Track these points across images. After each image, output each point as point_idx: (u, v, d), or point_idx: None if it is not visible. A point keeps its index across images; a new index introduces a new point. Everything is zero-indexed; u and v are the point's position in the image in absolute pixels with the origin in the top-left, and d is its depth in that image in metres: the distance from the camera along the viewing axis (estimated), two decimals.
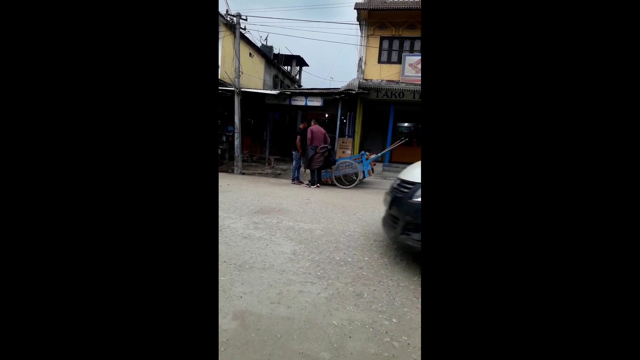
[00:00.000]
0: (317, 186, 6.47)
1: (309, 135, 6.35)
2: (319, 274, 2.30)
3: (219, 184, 5.99)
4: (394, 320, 1.76)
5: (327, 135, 6.55)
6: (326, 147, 6.39)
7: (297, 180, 6.84)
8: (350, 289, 2.10)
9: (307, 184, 6.61)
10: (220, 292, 1.93)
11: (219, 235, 3.01)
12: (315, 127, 6.44)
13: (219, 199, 4.60)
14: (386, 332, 1.64)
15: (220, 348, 1.43)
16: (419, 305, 1.93)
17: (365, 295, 2.02)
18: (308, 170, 6.68)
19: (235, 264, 2.38)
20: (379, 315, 1.79)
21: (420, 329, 1.68)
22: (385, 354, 1.47)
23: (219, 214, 3.73)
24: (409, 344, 1.56)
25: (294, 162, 6.84)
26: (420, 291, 2.12)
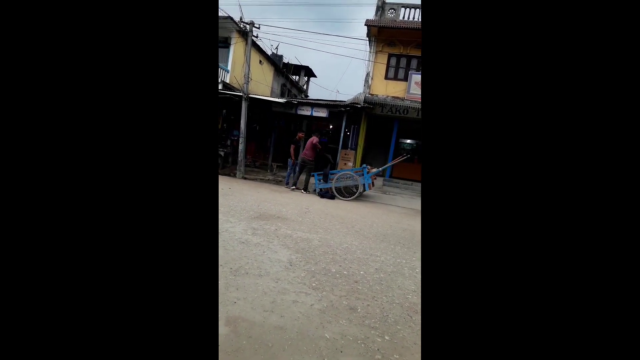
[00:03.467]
0: (298, 190, 6.90)
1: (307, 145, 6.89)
2: (314, 284, 2.30)
3: (221, 187, 6.01)
4: (386, 337, 1.75)
5: (316, 142, 6.87)
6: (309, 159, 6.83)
7: (289, 185, 7.31)
8: (344, 302, 2.09)
9: (293, 187, 7.04)
10: None
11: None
12: (310, 139, 6.94)
13: (220, 202, 4.60)
14: (378, 349, 1.63)
15: None
16: (412, 324, 1.93)
17: (359, 310, 2.01)
18: (302, 177, 7.08)
19: (231, 268, 2.38)
20: (372, 332, 1.78)
21: (412, 349, 1.68)
22: None
23: (219, 217, 3.73)
24: None
25: (288, 169, 7.51)
26: (414, 310, 2.11)
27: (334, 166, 7.61)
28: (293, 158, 7.31)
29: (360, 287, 2.36)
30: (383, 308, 2.09)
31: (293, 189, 7.01)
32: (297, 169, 7.18)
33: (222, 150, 9.07)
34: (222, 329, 1.61)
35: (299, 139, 7.46)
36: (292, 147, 7.37)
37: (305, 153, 6.91)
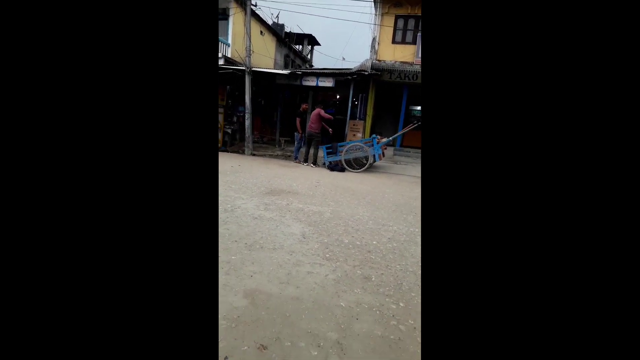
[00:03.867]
0: (311, 165, 6.97)
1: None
2: (327, 256, 2.33)
3: (230, 165, 6.04)
4: (401, 304, 1.79)
5: (321, 113, 6.77)
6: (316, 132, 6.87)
7: (298, 159, 7.36)
8: (358, 271, 2.13)
9: (305, 163, 7.10)
10: (231, 271, 1.98)
11: (231, 215, 3.06)
12: (314, 111, 6.89)
13: (231, 179, 4.65)
14: (393, 316, 1.67)
15: (232, 324, 1.48)
16: None
17: (373, 279, 2.04)
18: (311, 152, 7.09)
19: (246, 243, 2.43)
20: (386, 299, 1.82)
21: None
22: (392, 337, 1.50)
23: (231, 194, 3.79)
24: (415, 327, 1.58)
25: (295, 143, 7.49)
26: None
27: (332, 137, 7.55)
28: (300, 131, 7.24)
29: (373, 257, 2.38)
30: (397, 276, 2.11)
31: (307, 164, 7.01)
32: (304, 142, 7.14)
33: (228, 128, 9.02)
34: (241, 302, 1.67)
35: (304, 111, 7.34)
36: (298, 120, 7.28)
37: (310, 126, 6.81)
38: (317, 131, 6.81)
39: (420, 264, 2.32)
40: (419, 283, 2.04)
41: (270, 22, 12.41)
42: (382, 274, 2.13)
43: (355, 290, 1.88)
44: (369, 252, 2.47)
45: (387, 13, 9.12)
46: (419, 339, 1.50)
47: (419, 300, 1.83)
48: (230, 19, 9.85)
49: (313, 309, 1.66)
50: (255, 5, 8.20)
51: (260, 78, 8.90)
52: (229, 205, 3.35)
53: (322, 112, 6.75)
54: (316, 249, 2.43)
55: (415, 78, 8.94)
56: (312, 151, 7.02)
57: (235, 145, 9.07)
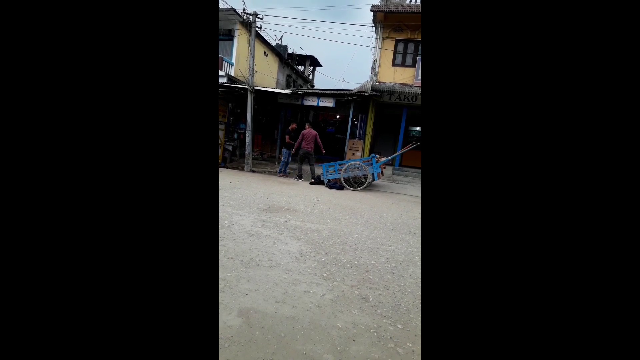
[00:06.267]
0: (318, 183, 7.13)
1: (300, 137, 7.20)
2: (324, 275, 2.29)
3: (229, 181, 6.04)
4: (399, 326, 1.74)
5: (318, 137, 7.23)
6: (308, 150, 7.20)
7: (283, 173, 7.65)
8: (355, 292, 2.08)
9: (301, 179, 7.33)
10: (226, 289, 1.94)
11: (228, 231, 3.03)
12: (307, 130, 7.19)
13: (229, 196, 4.63)
14: (391, 338, 1.62)
15: (225, 344, 1.44)
16: None
17: (371, 299, 2.00)
18: (308, 168, 7.33)
19: (242, 260, 2.39)
20: (384, 321, 1.77)
21: None
22: None
23: (228, 210, 3.76)
24: (413, 351, 1.54)
25: (282, 158, 7.76)
26: None
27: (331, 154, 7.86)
28: (295, 146, 7.50)
29: (371, 277, 2.34)
30: (395, 297, 2.07)
31: (302, 180, 7.18)
32: (288, 160, 7.56)
33: (229, 144, 9.09)
34: (235, 321, 1.63)
35: (292, 130, 7.66)
36: (287, 137, 7.59)
37: (308, 145, 7.10)
38: (312, 149, 7.15)
39: (418, 285, 2.28)
40: (418, 305, 2.00)
41: (274, 44, 12.77)
42: (380, 294, 2.09)
43: (353, 311, 1.84)
44: (367, 271, 2.43)
45: (387, 37, 9.42)
46: None
47: (418, 323, 1.79)
48: (235, 40, 10.15)
49: (309, 330, 1.62)
50: (260, 28, 8.47)
51: (262, 97, 9.06)
52: (226, 222, 3.32)
53: (318, 137, 7.19)
54: (313, 268, 2.40)
55: (414, 99, 9.12)
56: (308, 168, 7.19)
57: (234, 161, 9.11)
